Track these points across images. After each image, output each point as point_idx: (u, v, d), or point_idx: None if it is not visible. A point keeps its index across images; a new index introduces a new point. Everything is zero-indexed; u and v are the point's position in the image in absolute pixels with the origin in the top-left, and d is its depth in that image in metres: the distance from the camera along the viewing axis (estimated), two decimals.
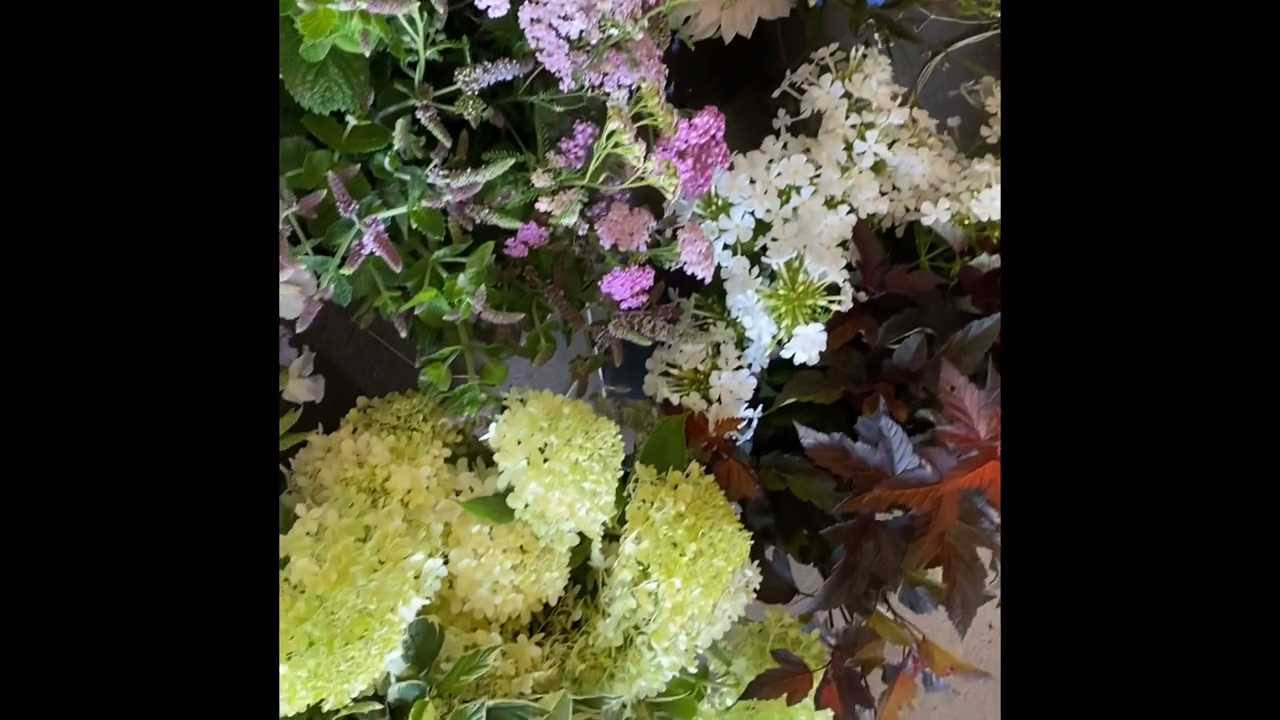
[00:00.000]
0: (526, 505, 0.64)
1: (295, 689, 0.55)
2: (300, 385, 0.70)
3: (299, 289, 0.64)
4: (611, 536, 0.71)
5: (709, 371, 0.73)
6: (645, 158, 0.54)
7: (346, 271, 0.59)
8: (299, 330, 0.59)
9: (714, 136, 0.62)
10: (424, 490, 0.66)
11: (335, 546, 0.57)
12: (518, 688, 0.68)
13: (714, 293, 0.77)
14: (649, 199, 0.70)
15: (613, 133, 0.53)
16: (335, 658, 0.55)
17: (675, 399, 0.73)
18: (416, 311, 0.65)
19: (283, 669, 0.55)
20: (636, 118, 0.54)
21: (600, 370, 0.78)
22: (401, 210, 0.60)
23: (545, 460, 0.62)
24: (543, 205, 0.58)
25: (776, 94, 0.79)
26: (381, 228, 0.58)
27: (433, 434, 0.69)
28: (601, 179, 0.59)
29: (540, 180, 0.59)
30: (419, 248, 0.66)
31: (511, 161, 0.60)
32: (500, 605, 0.67)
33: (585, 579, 0.74)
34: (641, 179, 0.57)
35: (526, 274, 0.69)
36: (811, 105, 0.76)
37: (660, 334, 0.68)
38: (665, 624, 0.67)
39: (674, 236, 0.68)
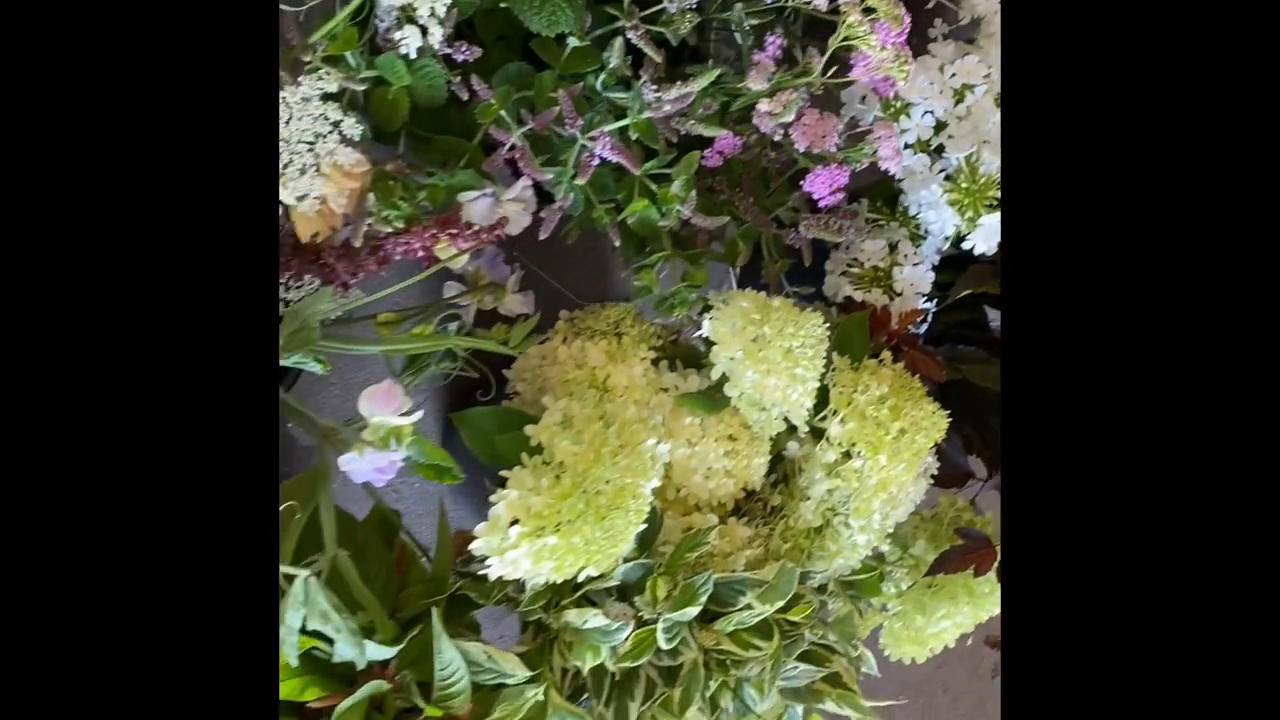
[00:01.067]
0: (742, 393, 0.69)
1: (565, 558, 0.61)
2: (515, 300, 0.76)
3: (523, 205, 0.69)
4: (806, 428, 0.76)
5: (888, 268, 0.77)
6: (881, 48, 0.59)
7: (580, 181, 0.64)
8: (542, 237, 0.65)
9: (904, 37, 0.66)
10: (639, 387, 0.71)
11: (588, 430, 0.63)
12: (731, 565, 0.74)
13: (880, 196, 0.82)
14: (824, 106, 0.74)
15: (849, 25, 0.58)
16: (601, 527, 0.60)
17: (858, 296, 0.78)
18: (629, 222, 0.70)
19: (552, 539, 0.61)
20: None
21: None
22: (623, 124, 0.65)
23: (759, 350, 0.67)
24: (764, 106, 0.63)
25: (930, 5, 0.83)
26: (609, 140, 0.63)
27: (639, 338, 0.74)
28: (829, 75, 0.64)
29: (756, 83, 0.63)
30: None
31: (718, 73, 0.65)
32: (714, 490, 0.73)
33: (779, 469, 0.80)
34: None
35: (716, 184, 0.74)
36: (971, 12, 0.79)
37: (847, 232, 0.72)
38: (868, 501, 0.72)
39: (854, 139, 0.73)
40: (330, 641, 0.60)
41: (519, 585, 0.71)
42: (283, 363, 0.59)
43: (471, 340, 0.65)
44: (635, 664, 0.70)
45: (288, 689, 0.60)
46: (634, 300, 0.73)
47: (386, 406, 0.59)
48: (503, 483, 0.69)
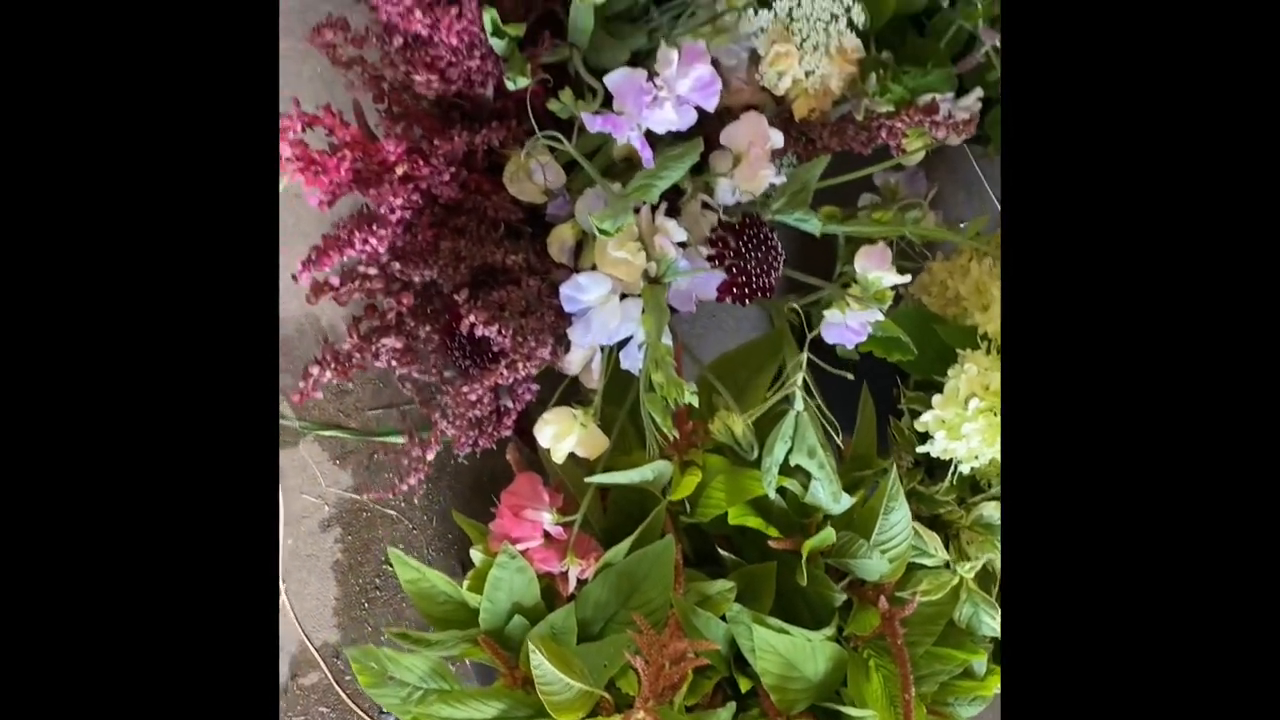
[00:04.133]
0: None
1: None
2: (930, 217, 0.79)
3: (969, 113, 0.73)
4: None
5: None
6: None
7: None
8: None
9: None
10: None
11: None
12: None
13: None
14: None
15: None
16: None
17: None
18: None
19: None
20: None
21: None
22: None
23: None
24: None
25: None
26: None
27: None
28: None
29: None
30: None
31: None
32: None
33: None
34: None
35: None
36: None
37: None
38: None
39: None
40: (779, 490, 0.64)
41: (926, 477, 0.74)
42: (784, 219, 0.64)
43: (925, 230, 0.68)
44: None
45: (755, 522, 0.63)
46: None
47: (879, 264, 0.62)
48: (920, 385, 0.73)
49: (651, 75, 0.56)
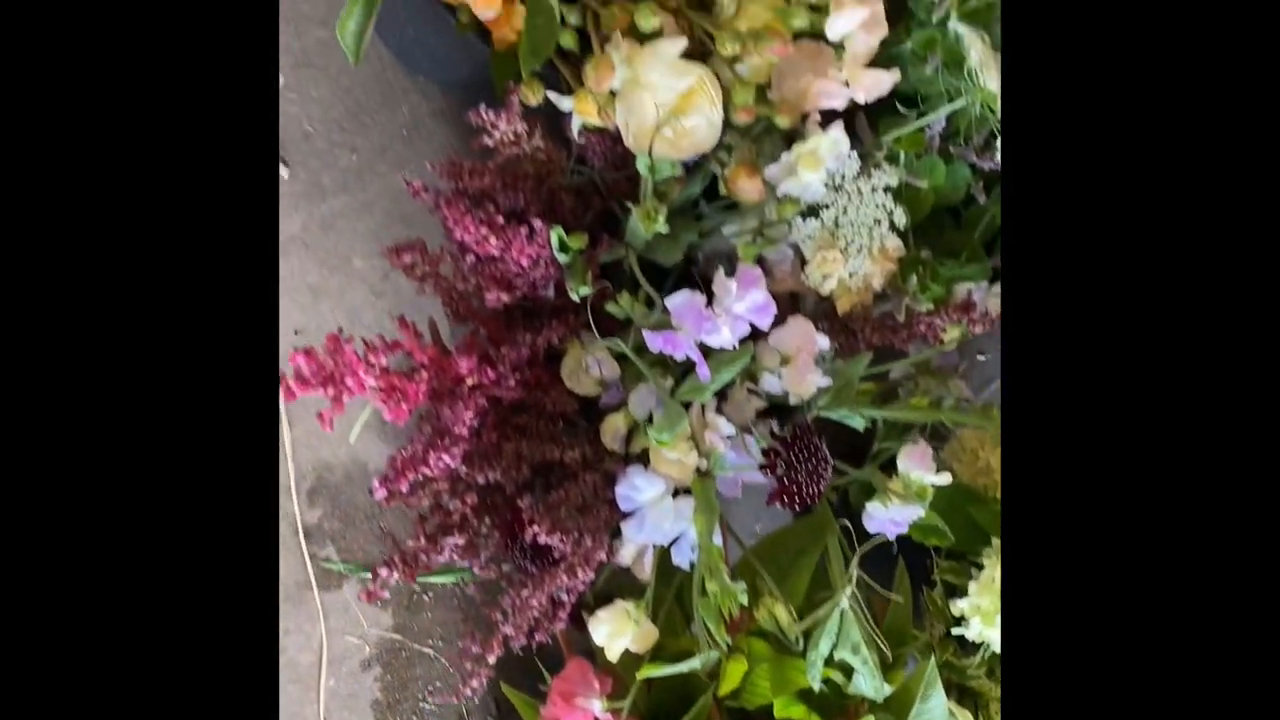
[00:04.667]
0: None
1: None
2: (958, 385, 0.82)
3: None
4: None
5: None
6: None
7: None
8: None
9: None
10: None
11: None
12: None
13: None
14: None
15: None
16: None
17: None
18: None
19: None
20: None
21: None
22: None
23: None
24: None
25: None
26: None
27: None
28: None
29: None
30: None
31: None
32: None
33: None
34: None
35: None
36: None
37: None
38: None
39: None
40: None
41: (957, 647, 0.76)
42: (830, 416, 0.66)
43: (959, 415, 0.71)
44: None
45: (798, 713, 0.66)
46: None
47: (921, 464, 0.65)
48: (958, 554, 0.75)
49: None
